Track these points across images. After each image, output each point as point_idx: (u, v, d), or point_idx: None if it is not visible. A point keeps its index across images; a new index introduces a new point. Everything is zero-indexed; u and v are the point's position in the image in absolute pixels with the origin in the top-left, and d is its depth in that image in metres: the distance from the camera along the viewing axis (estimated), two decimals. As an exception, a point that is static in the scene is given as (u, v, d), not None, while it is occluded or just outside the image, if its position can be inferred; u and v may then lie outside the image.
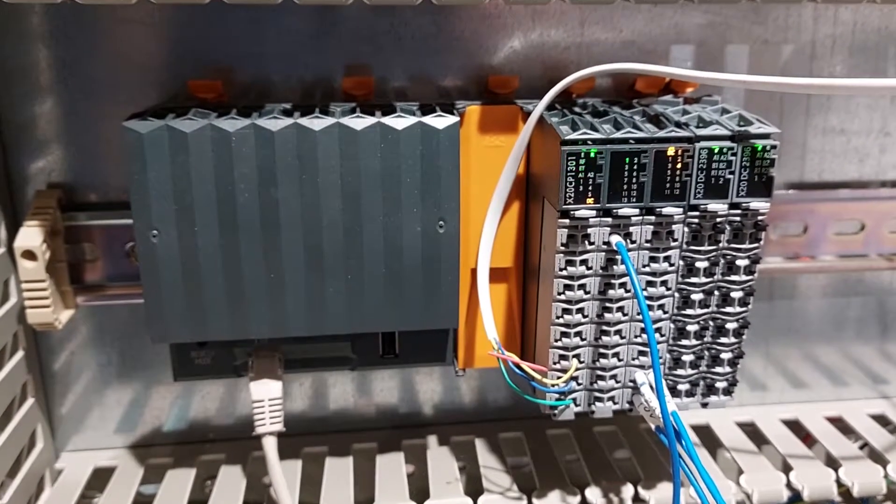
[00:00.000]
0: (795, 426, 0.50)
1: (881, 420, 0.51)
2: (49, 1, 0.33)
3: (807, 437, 0.49)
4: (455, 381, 0.49)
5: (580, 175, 0.33)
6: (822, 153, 0.47)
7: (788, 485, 0.44)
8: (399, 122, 0.35)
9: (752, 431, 0.49)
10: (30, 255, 0.38)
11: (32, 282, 0.38)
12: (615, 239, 0.34)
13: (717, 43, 0.44)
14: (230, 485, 0.43)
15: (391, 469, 0.45)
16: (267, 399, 0.39)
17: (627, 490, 0.43)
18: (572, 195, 0.34)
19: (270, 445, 0.39)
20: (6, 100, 0.40)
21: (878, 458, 0.46)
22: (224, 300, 0.36)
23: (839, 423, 0.50)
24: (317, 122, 0.35)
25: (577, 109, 0.38)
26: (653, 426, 0.37)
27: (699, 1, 0.37)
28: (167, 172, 0.34)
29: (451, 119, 0.36)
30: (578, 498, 0.43)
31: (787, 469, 0.44)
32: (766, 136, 0.34)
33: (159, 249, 0.35)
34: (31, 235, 0.38)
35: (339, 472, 0.45)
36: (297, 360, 0.41)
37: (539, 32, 0.42)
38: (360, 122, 0.35)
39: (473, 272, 0.40)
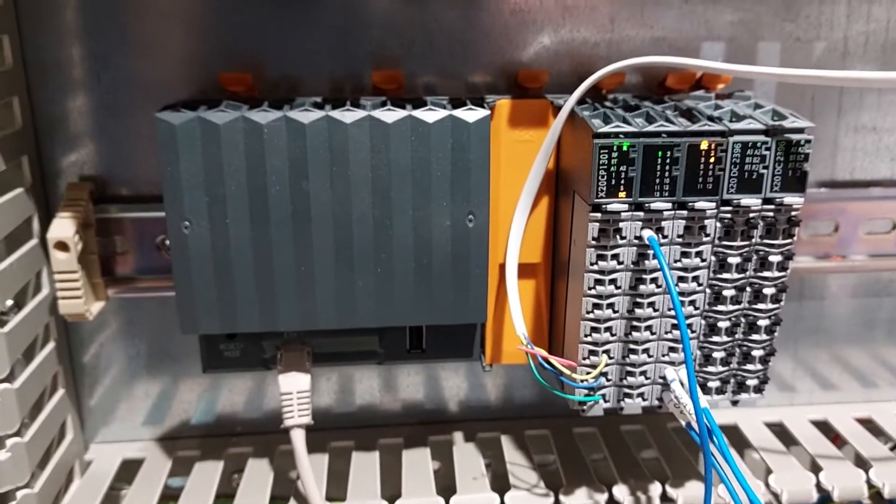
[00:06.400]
0: (824, 427, 0.49)
1: (912, 422, 0.50)
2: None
3: (836, 438, 0.48)
4: (481, 378, 0.49)
5: (612, 168, 0.33)
6: (853, 151, 0.47)
7: (818, 485, 0.43)
8: (430, 115, 0.35)
9: (780, 432, 0.48)
10: (62, 245, 0.38)
11: (65, 272, 0.38)
12: (647, 233, 0.34)
13: (748, 40, 0.43)
14: (258, 478, 0.44)
15: (418, 464, 0.45)
16: (295, 392, 0.40)
17: (655, 489, 0.43)
18: (604, 189, 0.34)
19: (299, 438, 0.40)
20: (40, 94, 0.41)
21: (909, 459, 0.45)
22: (254, 292, 0.36)
23: (869, 425, 0.49)
24: (348, 115, 0.35)
25: (607, 104, 0.38)
26: (683, 423, 0.36)
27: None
28: (199, 164, 0.34)
29: (481, 112, 0.36)
30: (606, 495, 0.42)
31: (816, 469, 0.44)
32: (800, 130, 0.34)
33: (191, 240, 0.35)
34: (63, 226, 0.38)
35: (365, 467, 0.45)
36: (325, 354, 0.41)
37: (569, 28, 0.42)
38: (390, 116, 0.35)
39: (502, 268, 0.39)
